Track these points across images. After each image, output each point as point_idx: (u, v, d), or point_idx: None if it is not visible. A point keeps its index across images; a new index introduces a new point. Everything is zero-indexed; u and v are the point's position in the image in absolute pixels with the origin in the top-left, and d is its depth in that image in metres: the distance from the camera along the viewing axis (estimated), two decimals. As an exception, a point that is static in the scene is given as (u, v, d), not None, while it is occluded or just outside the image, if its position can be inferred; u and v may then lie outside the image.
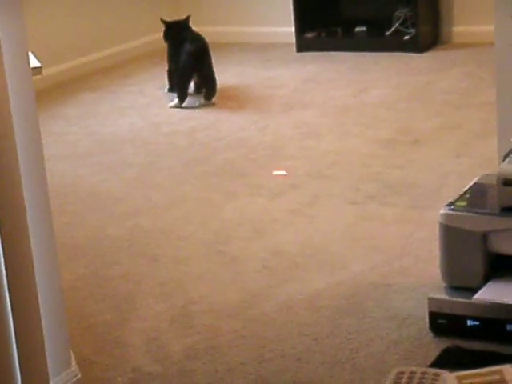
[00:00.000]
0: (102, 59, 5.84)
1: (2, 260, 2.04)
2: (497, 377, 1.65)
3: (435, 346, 2.47)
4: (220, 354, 2.55)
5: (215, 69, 5.03)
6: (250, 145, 4.31)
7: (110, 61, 5.85)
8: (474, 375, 1.66)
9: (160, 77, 5.22)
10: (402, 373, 1.76)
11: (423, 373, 1.75)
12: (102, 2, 5.91)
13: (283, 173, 3.86)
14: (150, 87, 5.33)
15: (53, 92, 5.31)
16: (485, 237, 2.47)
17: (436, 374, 1.76)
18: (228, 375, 2.45)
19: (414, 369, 1.78)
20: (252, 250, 3.19)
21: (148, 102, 5.08)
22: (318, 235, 3.27)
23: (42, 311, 2.13)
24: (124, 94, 5.20)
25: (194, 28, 5.21)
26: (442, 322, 2.51)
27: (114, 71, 5.70)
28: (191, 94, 4.96)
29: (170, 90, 5.04)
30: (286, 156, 4.12)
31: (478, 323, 2.46)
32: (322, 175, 3.85)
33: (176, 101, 4.84)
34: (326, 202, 3.56)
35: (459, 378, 1.64)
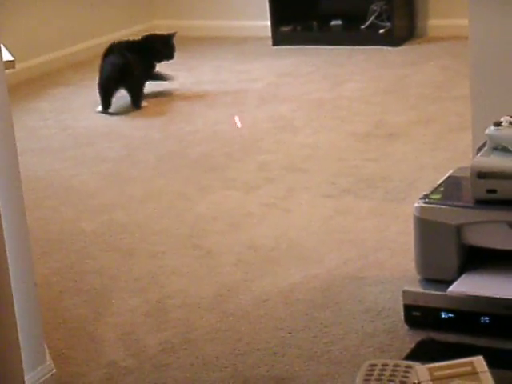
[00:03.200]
0: (75, 54, 5.80)
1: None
2: (468, 368, 1.66)
3: (410, 339, 2.47)
4: (195, 347, 2.55)
5: (192, 62, 5.02)
6: (225, 138, 4.30)
7: (82, 55, 5.81)
8: (446, 367, 1.66)
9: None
10: (375, 365, 1.76)
11: (395, 365, 1.75)
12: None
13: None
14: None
15: (26, 86, 5.27)
16: (459, 229, 2.48)
17: (408, 366, 1.76)
18: (203, 369, 2.45)
19: (386, 361, 1.79)
20: (227, 244, 3.18)
21: (119, 97, 5.05)
22: (293, 229, 3.27)
23: (16, 306, 2.11)
24: (96, 89, 5.16)
25: (169, 21, 5.21)
26: (417, 315, 2.51)
27: (87, 66, 5.67)
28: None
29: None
30: (261, 150, 4.12)
31: (452, 316, 2.47)
32: (298, 169, 3.85)
33: (100, 107, 4.84)
34: (302, 196, 3.56)
35: (431, 370, 1.65)
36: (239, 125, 3.72)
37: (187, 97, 4.98)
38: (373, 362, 1.76)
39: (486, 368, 1.70)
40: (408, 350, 2.40)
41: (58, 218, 3.52)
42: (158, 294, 2.86)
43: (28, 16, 5.55)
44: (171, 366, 2.47)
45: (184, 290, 2.88)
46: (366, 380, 1.74)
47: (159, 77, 5.04)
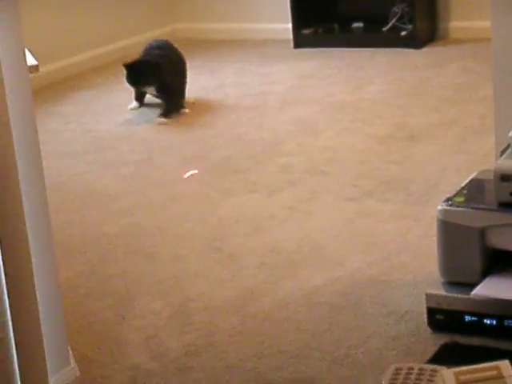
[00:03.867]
0: (98, 57, 5.83)
1: (1, 258, 2.04)
2: (494, 372, 1.65)
3: (433, 342, 2.47)
4: (218, 350, 2.55)
5: (213, 65, 4.99)
6: (247, 141, 4.31)
7: (106, 59, 5.84)
8: (472, 371, 1.66)
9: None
10: (400, 369, 1.76)
11: (421, 369, 1.75)
12: (99, 0, 5.90)
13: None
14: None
15: (49, 90, 5.30)
16: (482, 232, 2.47)
17: (434, 370, 1.76)
18: (226, 372, 2.45)
19: (411, 365, 1.78)
20: (250, 247, 3.19)
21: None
22: (315, 232, 3.27)
23: (40, 309, 2.13)
24: (120, 92, 5.19)
25: (190, 25, 5.18)
26: (440, 318, 2.51)
27: (109, 69, 5.69)
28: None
29: None
30: (283, 152, 4.12)
31: (475, 319, 2.46)
32: (320, 171, 3.85)
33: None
34: (324, 199, 3.56)
35: (457, 374, 1.64)
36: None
37: (209, 100, 4.99)
38: (398, 365, 1.76)
39: (512, 372, 1.69)
40: (431, 354, 2.39)
41: (81, 221, 3.54)
42: (181, 297, 2.87)
43: (51, 20, 5.58)
44: (194, 368, 2.48)
45: (207, 293, 2.88)
46: (391, 383, 1.74)
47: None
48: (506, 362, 1.70)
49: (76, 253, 3.25)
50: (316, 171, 3.86)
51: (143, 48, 4.93)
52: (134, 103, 4.92)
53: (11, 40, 2.13)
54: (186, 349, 2.57)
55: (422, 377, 1.71)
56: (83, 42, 5.77)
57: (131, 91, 5.04)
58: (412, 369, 1.76)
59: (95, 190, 3.84)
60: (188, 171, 3.89)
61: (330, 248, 3.13)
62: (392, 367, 1.79)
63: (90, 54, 5.81)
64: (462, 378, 1.63)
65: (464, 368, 1.69)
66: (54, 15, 5.60)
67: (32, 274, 2.11)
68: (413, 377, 1.71)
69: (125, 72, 4.77)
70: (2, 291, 2.02)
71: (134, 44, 5.26)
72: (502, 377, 1.66)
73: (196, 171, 3.84)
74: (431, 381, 1.71)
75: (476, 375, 1.64)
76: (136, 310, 2.82)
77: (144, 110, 4.92)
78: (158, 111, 4.79)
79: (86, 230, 3.46)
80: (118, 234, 3.37)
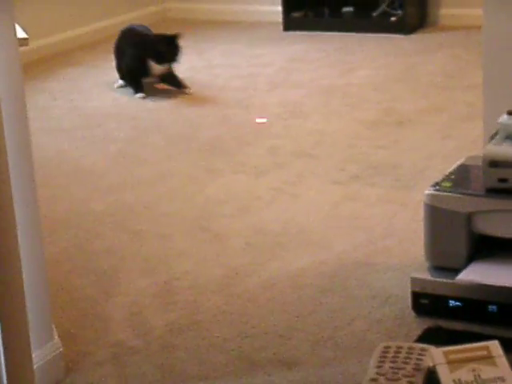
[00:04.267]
0: (87, 34, 5.80)
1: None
2: (484, 352, 1.66)
3: (417, 326, 2.48)
4: (202, 329, 2.56)
5: (202, 46, 4.99)
6: (235, 123, 4.30)
7: (96, 36, 5.81)
8: (461, 350, 1.67)
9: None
10: (389, 347, 1.76)
11: (410, 348, 1.76)
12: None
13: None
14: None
15: (38, 66, 5.27)
16: (469, 217, 2.48)
17: (423, 349, 1.77)
18: (210, 351, 2.45)
19: (400, 344, 1.79)
20: (236, 228, 3.19)
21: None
22: (301, 214, 3.27)
23: (25, 284, 2.12)
24: (108, 70, 5.17)
25: (180, 4, 5.18)
26: (425, 302, 2.52)
27: (99, 46, 5.67)
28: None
29: None
30: (270, 135, 4.12)
31: (460, 304, 2.47)
32: (307, 154, 3.85)
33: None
34: (310, 182, 3.56)
35: (446, 353, 1.65)
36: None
37: (197, 80, 4.97)
38: (387, 344, 1.77)
39: (501, 352, 1.70)
40: (415, 337, 2.41)
41: (68, 197, 3.53)
42: (166, 276, 2.87)
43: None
44: (178, 346, 2.48)
45: (192, 272, 2.88)
46: (380, 361, 1.75)
47: (174, 82, 4.82)
48: (496, 342, 1.71)
49: (61, 228, 3.24)
50: (303, 154, 3.85)
51: (122, 31, 4.88)
52: (121, 81, 4.89)
53: (2, 13, 2.11)
54: (170, 327, 2.58)
55: (411, 355, 1.72)
56: (73, 19, 5.73)
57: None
58: (401, 347, 1.76)
59: (82, 167, 3.83)
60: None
61: (316, 231, 3.13)
62: (381, 345, 1.79)
63: (80, 30, 5.78)
64: (452, 357, 1.64)
65: (453, 347, 1.70)
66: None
67: (17, 247, 2.10)
68: (402, 355, 1.72)
69: (156, 47, 4.66)
70: (-12, 264, 2.01)
71: (125, 22, 5.23)
72: (492, 356, 1.67)
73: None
74: (420, 360, 1.71)
75: (465, 355, 1.66)
76: (121, 287, 2.82)
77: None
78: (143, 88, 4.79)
79: (73, 206, 3.45)
80: (104, 211, 3.37)
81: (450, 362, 1.63)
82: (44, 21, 5.52)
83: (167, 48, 4.70)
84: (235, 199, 3.43)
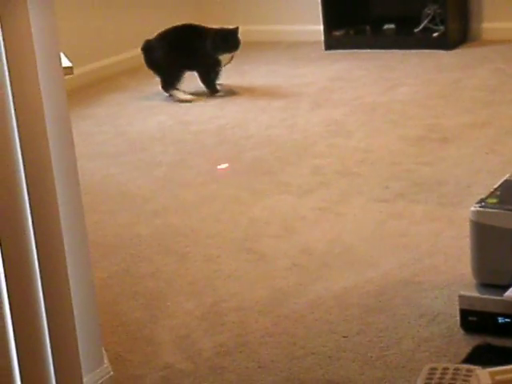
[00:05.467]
0: (131, 59, 5.86)
1: (36, 257, 2.06)
2: (530, 372, 1.65)
3: (466, 344, 2.46)
4: (250, 351, 2.56)
5: (244, 67, 5.08)
6: (279, 143, 4.32)
7: (138, 61, 5.87)
8: (508, 371, 1.65)
9: (187, 76, 5.21)
10: (435, 369, 1.76)
11: (456, 369, 1.75)
12: (131, 2, 5.94)
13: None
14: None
15: (82, 92, 5.34)
16: (516, 234, 2.46)
17: (469, 370, 1.76)
18: (259, 372, 2.46)
19: (446, 365, 1.78)
20: (281, 248, 3.19)
21: (175, 102, 5.09)
22: (346, 233, 3.27)
23: (74, 309, 2.15)
24: (152, 94, 5.22)
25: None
26: (473, 320, 2.50)
27: (141, 71, 5.73)
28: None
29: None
30: (314, 154, 4.13)
31: (509, 320, 2.45)
32: (351, 173, 3.85)
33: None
34: (355, 200, 3.56)
35: (492, 374, 1.64)
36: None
37: (240, 101, 5.00)
38: (433, 365, 1.76)
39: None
40: (464, 355, 2.39)
41: (114, 222, 3.57)
42: (213, 298, 2.88)
43: (84, 22, 5.63)
44: (227, 368, 2.49)
45: (239, 294, 2.89)
46: (426, 383, 1.74)
47: (208, 84, 5.09)
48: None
49: (109, 253, 3.28)
50: (347, 172, 3.86)
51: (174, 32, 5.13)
52: (188, 95, 5.05)
53: (47, 43, 2.15)
54: (219, 349, 2.59)
55: (456, 377, 1.71)
56: (116, 44, 5.81)
57: (163, 93, 5.09)
58: (447, 369, 1.75)
59: (128, 191, 3.87)
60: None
61: (361, 249, 3.12)
62: (427, 367, 1.79)
63: (123, 56, 5.85)
64: (498, 377, 1.63)
65: (500, 368, 1.68)
66: (88, 17, 5.65)
67: (67, 274, 2.14)
68: (448, 377, 1.71)
69: (234, 36, 4.99)
70: (38, 291, 2.04)
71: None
72: (538, 377, 1.65)
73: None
74: (466, 381, 1.71)
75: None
76: (168, 309, 2.84)
77: (175, 110, 4.95)
78: (187, 110, 4.83)
79: (119, 230, 3.48)
80: (150, 235, 3.40)
81: (496, 383, 1.61)
82: (87, 47, 5.60)
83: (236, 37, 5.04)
84: (280, 219, 3.44)
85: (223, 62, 5.10)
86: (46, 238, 2.09)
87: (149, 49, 5.15)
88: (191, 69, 5.13)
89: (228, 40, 5.04)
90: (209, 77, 5.11)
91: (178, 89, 5.09)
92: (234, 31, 5.05)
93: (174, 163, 4.17)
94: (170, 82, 5.09)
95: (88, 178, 3.95)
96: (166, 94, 5.12)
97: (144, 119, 4.88)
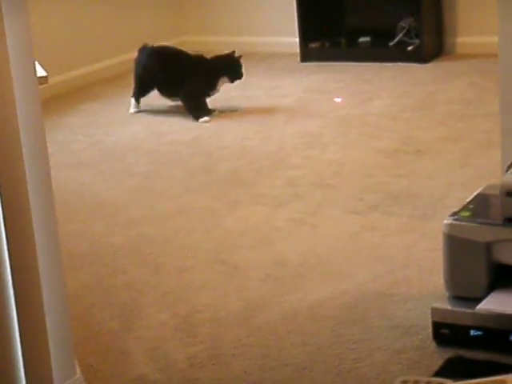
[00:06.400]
0: (106, 69, 5.86)
1: (8, 266, 2.05)
2: (500, 386, 1.66)
3: (439, 356, 2.47)
4: (224, 362, 2.56)
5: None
6: (254, 154, 4.32)
7: (113, 70, 5.87)
8: (477, 385, 1.66)
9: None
10: (406, 382, 1.76)
11: (428, 382, 1.75)
12: (107, 13, 5.93)
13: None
14: (153, 97, 5.32)
15: (57, 101, 5.32)
16: (488, 247, 2.48)
17: (441, 383, 1.76)
18: (232, 384, 2.46)
19: (418, 378, 1.79)
20: (255, 259, 3.19)
21: (150, 112, 5.08)
22: (321, 245, 3.28)
23: (47, 319, 2.14)
24: (126, 104, 5.21)
25: (197, 38, 5.29)
26: (446, 332, 2.51)
27: (117, 81, 5.72)
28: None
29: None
30: (289, 165, 4.13)
31: (481, 333, 2.46)
32: (326, 185, 3.86)
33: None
34: (329, 212, 3.57)
35: (464, 387, 1.65)
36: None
37: (216, 114, 5.00)
38: (405, 378, 1.77)
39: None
40: (436, 368, 2.40)
41: (88, 232, 3.55)
42: (187, 309, 2.87)
43: (59, 31, 5.61)
44: (200, 380, 2.49)
45: (212, 305, 2.89)
46: (397, 396, 1.74)
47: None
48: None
49: (83, 263, 3.26)
50: (322, 184, 3.87)
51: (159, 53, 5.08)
52: (134, 106, 5.06)
53: (21, 51, 2.14)
54: (192, 360, 2.58)
55: (428, 389, 1.72)
56: (91, 54, 5.79)
57: (140, 103, 5.08)
58: (419, 381, 1.76)
59: (102, 201, 3.86)
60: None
61: (335, 261, 3.13)
62: (399, 379, 1.79)
63: (98, 65, 5.84)
64: (469, 390, 1.63)
65: (470, 381, 1.69)
66: (62, 26, 5.63)
67: (39, 284, 2.13)
68: (419, 390, 1.72)
69: (234, 65, 4.98)
70: (10, 300, 2.03)
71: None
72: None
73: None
74: (438, 393, 1.71)
75: (482, 388, 1.65)
76: (142, 320, 2.83)
77: (150, 120, 4.94)
78: (162, 120, 4.83)
79: (93, 240, 3.47)
80: (124, 245, 3.39)
81: (466, 397, 1.62)
82: (62, 56, 5.58)
83: (239, 65, 5.00)
84: (254, 231, 3.44)
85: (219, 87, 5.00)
86: (19, 248, 2.08)
87: (141, 51, 5.09)
88: (174, 96, 5.04)
89: (237, 67, 5.00)
90: (194, 105, 4.98)
91: (137, 102, 5.06)
92: (238, 58, 5.03)
93: (148, 173, 4.17)
94: (139, 94, 5.07)
95: (62, 188, 3.94)
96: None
97: (119, 129, 4.87)
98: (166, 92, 5.02)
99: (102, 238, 3.48)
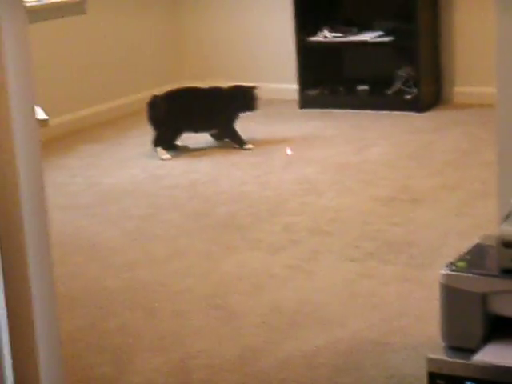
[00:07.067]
0: (107, 111, 5.88)
1: (4, 308, 2.04)
2: None
3: (433, 407, 2.45)
4: (217, 409, 2.54)
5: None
6: (251, 199, 4.33)
7: (114, 113, 5.90)
8: None
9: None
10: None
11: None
12: (106, 56, 5.97)
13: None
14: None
15: (57, 143, 5.34)
16: (484, 298, 2.47)
17: None
18: (224, 431, 2.44)
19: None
20: (251, 305, 3.18)
21: (149, 155, 5.10)
22: (316, 292, 3.27)
23: (40, 362, 2.12)
24: (126, 147, 5.23)
25: (197, 82, 5.34)
26: (441, 383, 2.49)
27: (116, 123, 5.75)
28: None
29: None
30: (286, 211, 4.14)
31: (476, 385, 2.44)
32: (322, 231, 3.86)
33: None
34: (326, 259, 3.57)
35: None
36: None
37: (214, 157, 5.02)
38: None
39: None
40: (431, 419, 2.38)
41: (83, 274, 3.54)
42: (181, 354, 2.86)
43: (60, 73, 5.64)
44: (192, 427, 2.46)
45: (207, 351, 2.87)
46: None
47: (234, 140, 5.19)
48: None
49: (77, 306, 3.25)
50: (318, 231, 3.87)
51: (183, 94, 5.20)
52: (167, 155, 5.05)
53: (22, 94, 2.15)
54: (185, 407, 2.56)
55: None
56: (92, 96, 5.82)
57: (139, 146, 5.10)
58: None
59: (98, 244, 3.85)
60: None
61: (331, 309, 3.12)
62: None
63: (99, 108, 5.87)
64: None
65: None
66: (63, 68, 5.67)
67: (33, 326, 2.11)
68: None
69: (252, 97, 5.13)
70: (4, 343, 2.02)
71: (142, 99, 5.31)
72: None
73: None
74: None
75: None
76: (135, 365, 2.81)
77: (148, 163, 4.95)
78: (160, 164, 4.84)
79: (88, 283, 3.46)
80: (119, 289, 3.37)
81: None
82: (63, 98, 5.61)
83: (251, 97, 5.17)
84: (251, 276, 3.44)
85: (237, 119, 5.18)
86: (14, 290, 2.07)
87: (154, 104, 5.13)
88: (206, 130, 5.18)
89: (250, 99, 5.15)
90: (233, 134, 5.15)
91: (163, 147, 5.08)
92: (253, 90, 5.15)
93: (145, 217, 4.17)
94: (161, 140, 5.08)
95: (58, 229, 3.93)
96: (154, 149, 5.08)
97: (117, 171, 4.88)
98: (199, 129, 5.17)
99: (97, 280, 3.47)
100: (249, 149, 5.10)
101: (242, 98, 5.15)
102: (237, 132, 5.18)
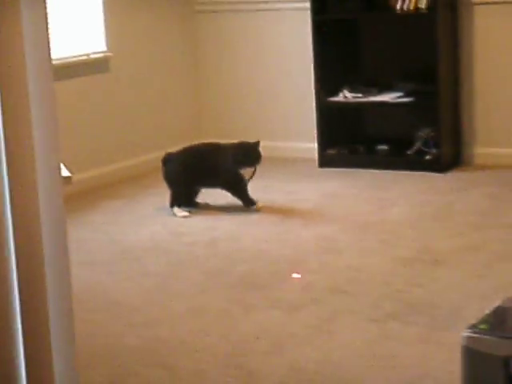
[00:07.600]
0: (130, 168, 5.93)
1: (23, 366, 2.04)
2: None
3: None
4: None
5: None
6: (271, 257, 4.33)
7: (134, 170, 5.94)
8: None
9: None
10: None
11: None
12: (129, 113, 6.04)
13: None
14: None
15: (79, 198, 5.37)
16: (506, 361, 2.45)
17: None
18: None
19: None
20: (270, 365, 3.16)
21: (169, 212, 5.12)
22: (336, 352, 3.25)
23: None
24: (147, 203, 5.26)
25: (216, 140, 5.40)
26: None
27: (138, 180, 5.79)
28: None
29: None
30: (305, 270, 4.13)
31: None
32: (342, 291, 3.85)
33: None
34: (346, 319, 3.55)
35: None
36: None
37: (234, 215, 5.03)
38: None
39: None
40: None
41: (103, 331, 3.54)
42: (200, 414, 2.84)
43: (87, 129, 5.71)
44: None
45: (225, 411, 2.85)
46: None
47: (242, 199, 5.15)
48: None
49: (97, 364, 3.24)
50: (338, 290, 3.85)
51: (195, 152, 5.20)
52: (184, 212, 5.06)
53: (48, 152, 2.18)
54: None
55: None
56: (114, 153, 5.88)
57: (160, 202, 5.12)
58: None
59: (118, 301, 3.85)
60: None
61: (351, 370, 3.10)
62: None
63: (121, 164, 5.91)
64: None
65: None
66: (86, 125, 5.73)
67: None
68: None
69: (257, 151, 5.08)
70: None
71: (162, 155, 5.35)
72: None
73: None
74: None
75: None
76: (154, 424, 2.79)
77: (169, 220, 4.97)
78: (181, 221, 4.86)
79: (107, 341, 3.45)
80: (139, 347, 3.37)
81: None
82: (85, 154, 5.66)
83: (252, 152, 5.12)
84: (270, 335, 3.42)
85: (246, 177, 5.12)
86: (35, 347, 2.07)
87: (167, 162, 5.17)
88: (214, 186, 5.16)
89: (249, 154, 5.09)
90: (237, 192, 5.12)
91: (182, 205, 5.10)
92: (255, 145, 5.11)
93: (165, 274, 4.17)
94: (176, 199, 5.11)
95: (79, 286, 3.92)
96: (170, 209, 5.09)
97: (138, 228, 4.89)
98: (210, 186, 5.17)
99: (117, 338, 3.46)
100: (257, 210, 5.04)
101: (244, 153, 5.10)
102: (244, 190, 5.10)
